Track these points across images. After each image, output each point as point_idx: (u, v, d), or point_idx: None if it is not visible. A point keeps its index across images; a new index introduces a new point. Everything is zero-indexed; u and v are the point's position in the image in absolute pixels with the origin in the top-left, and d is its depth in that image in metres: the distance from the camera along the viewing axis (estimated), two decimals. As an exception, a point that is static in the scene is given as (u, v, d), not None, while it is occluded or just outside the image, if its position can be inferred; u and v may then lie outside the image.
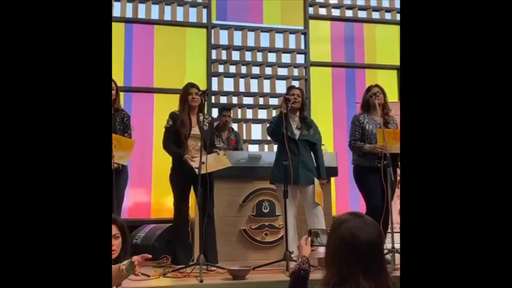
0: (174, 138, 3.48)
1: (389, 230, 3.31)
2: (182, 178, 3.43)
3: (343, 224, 1.34)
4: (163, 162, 3.74)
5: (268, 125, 4.58)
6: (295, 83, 5.52)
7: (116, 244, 1.96)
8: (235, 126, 5.38)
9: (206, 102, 3.38)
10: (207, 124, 3.58)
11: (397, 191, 4.87)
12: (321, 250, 1.74)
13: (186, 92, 3.52)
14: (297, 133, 3.57)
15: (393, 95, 5.78)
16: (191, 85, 3.56)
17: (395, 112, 5.02)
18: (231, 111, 4.87)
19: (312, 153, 3.62)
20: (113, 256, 1.92)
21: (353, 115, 3.74)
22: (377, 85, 3.69)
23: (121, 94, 5.04)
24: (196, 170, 3.20)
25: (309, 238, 1.82)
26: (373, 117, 3.63)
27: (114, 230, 1.96)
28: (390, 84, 5.85)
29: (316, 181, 3.50)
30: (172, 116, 3.54)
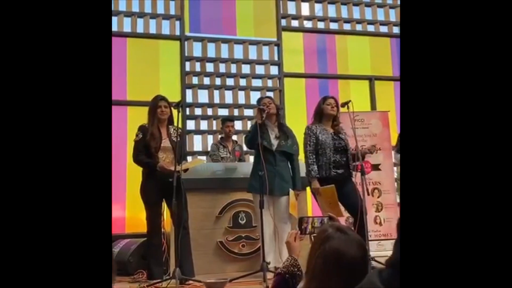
0: (145, 151, 3.43)
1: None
2: (155, 190, 3.39)
3: (327, 241, 1.30)
4: (137, 176, 3.68)
5: (244, 135, 4.61)
6: (270, 94, 5.56)
7: None
8: (210, 137, 5.39)
9: (180, 114, 3.35)
10: (178, 136, 3.55)
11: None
12: None
13: (155, 105, 3.49)
14: (275, 143, 3.58)
15: (365, 105, 5.90)
16: (160, 98, 3.53)
17: (368, 122, 5.14)
18: (234, 122, 4.92)
19: (289, 164, 3.64)
20: None
21: (306, 126, 3.74)
22: (333, 97, 3.76)
23: (94, 107, 5.01)
24: (176, 173, 3.12)
25: (298, 231, 1.68)
26: (325, 127, 3.66)
27: None
28: (362, 94, 5.97)
29: (291, 191, 3.51)
30: (142, 129, 3.50)
